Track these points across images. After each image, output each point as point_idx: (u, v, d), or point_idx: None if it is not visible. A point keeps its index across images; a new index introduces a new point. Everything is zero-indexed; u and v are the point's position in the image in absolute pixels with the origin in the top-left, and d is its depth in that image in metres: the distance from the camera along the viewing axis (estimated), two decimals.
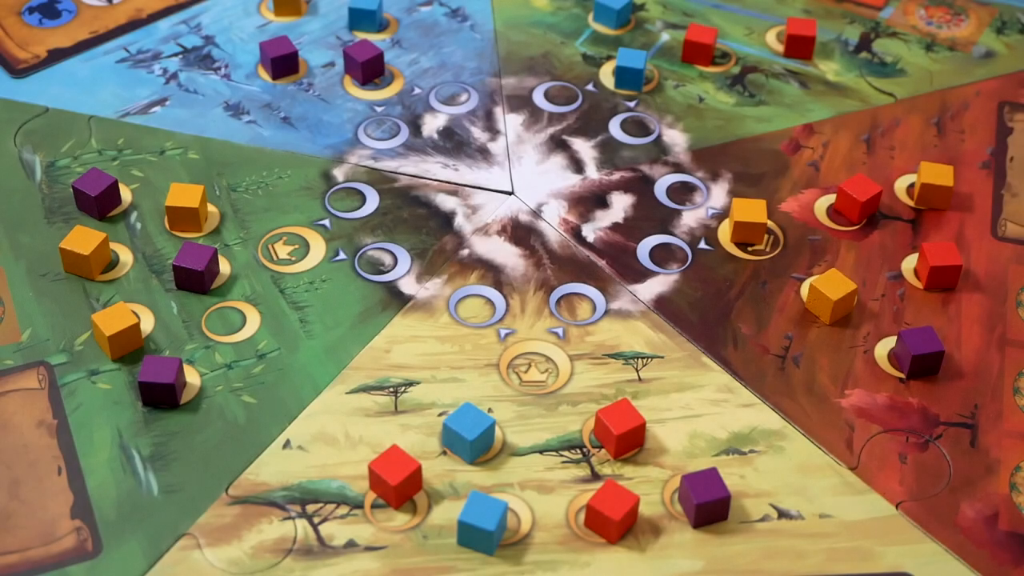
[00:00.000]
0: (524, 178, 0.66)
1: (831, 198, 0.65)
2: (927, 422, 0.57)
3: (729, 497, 0.53)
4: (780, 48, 0.73)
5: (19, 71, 0.70)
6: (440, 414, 0.56)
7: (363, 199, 0.64)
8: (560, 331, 0.60)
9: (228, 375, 0.57)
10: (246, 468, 0.54)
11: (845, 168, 0.67)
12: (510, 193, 0.65)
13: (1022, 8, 0.77)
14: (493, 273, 0.62)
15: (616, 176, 0.66)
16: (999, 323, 0.61)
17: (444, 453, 0.55)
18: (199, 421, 0.56)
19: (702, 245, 0.63)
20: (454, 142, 0.67)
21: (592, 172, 0.66)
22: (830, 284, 0.60)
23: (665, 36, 0.74)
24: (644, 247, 0.63)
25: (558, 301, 0.61)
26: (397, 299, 0.61)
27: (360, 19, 0.73)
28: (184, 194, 0.62)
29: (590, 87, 0.71)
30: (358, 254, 0.62)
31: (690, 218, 0.64)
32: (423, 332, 0.59)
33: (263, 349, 0.58)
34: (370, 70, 0.70)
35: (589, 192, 0.66)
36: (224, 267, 0.61)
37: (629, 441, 0.55)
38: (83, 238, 0.60)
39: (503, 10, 0.75)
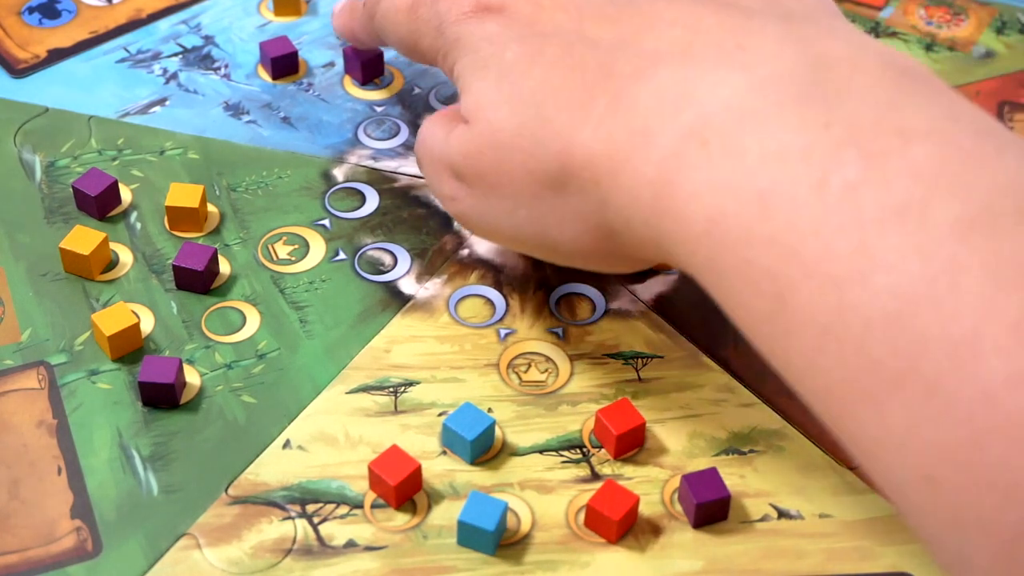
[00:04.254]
0: None
1: None
2: None
3: (729, 497, 0.53)
4: None
5: (19, 71, 0.70)
6: (440, 414, 0.56)
7: (363, 199, 0.64)
8: (560, 331, 0.60)
9: (228, 375, 0.57)
10: (246, 468, 0.54)
11: None
12: None
13: (1022, 8, 0.77)
14: (493, 273, 0.62)
15: None
16: None
17: (444, 453, 0.55)
18: (199, 421, 0.56)
19: None
20: None
21: None
22: None
23: None
24: None
25: (558, 301, 0.61)
26: (397, 299, 0.61)
27: None
28: (184, 194, 0.62)
29: None
30: (358, 254, 0.62)
31: None
32: (423, 332, 0.59)
33: (263, 349, 0.58)
34: (370, 70, 0.70)
35: None
36: (224, 267, 0.61)
37: (629, 441, 0.55)
38: (83, 238, 0.60)
39: None
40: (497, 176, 0.51)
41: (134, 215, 0.63)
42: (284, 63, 0.70)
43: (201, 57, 0.71)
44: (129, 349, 0.58)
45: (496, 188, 0.51)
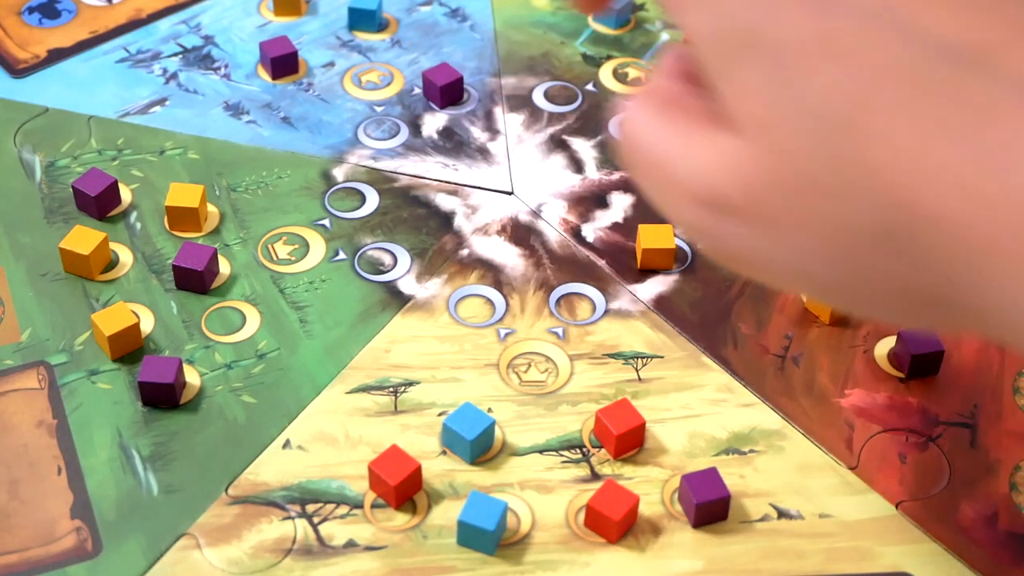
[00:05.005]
0: (524, 178, 0.66)
1: None
2: (927, 422, 0.57)
3: (729, 497, 0.53)
4: None
5: (19, 71, 0.70)
6: (440, 414, 0.56)
7: (363, 199, 0.64)
8: (560, 331, 0.60)
9: (228, 375, 0.57)
10: (246, 468, 0.54)
11: None
12: (510, 193, 0.65)
13: None
14: (493, 273, 0.62)
15: (616, 176, 0.66)
16: None
17: (444, 453, 0.55)
18: (199, 421, 0.56)
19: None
20: (454, 142, 0.67)
21: (592, 172, 0.67)
22: None
23: (665, 36, 0.74)
24: None
25: (558, 301, 0.61)
26: (397, 299, 0.61)
27: (360, 19, 0.73)
28: (184, 194, 0.62)
29: (590, 87, 0.71)
30: (358, 254, 0.62)
31: None
32: (423, 332, 0.59)
33: (263, 349, 0.58)
34: (448, 95, 0.69)
35: (589, 192, 0.66)
36: (224, 267, 0.61)
37: (629, 441, 0.55)
38: (83, 238, 0.60)
39: (503, 10, 0.75)
40: (791, 222, 0.37)
41: (134, 215, 0.63)
42: (284, 63, 0.70)
43: (201, 57, 0.71)
44: (129, 349, 0.58)
45: (784, 235, 0.37)
